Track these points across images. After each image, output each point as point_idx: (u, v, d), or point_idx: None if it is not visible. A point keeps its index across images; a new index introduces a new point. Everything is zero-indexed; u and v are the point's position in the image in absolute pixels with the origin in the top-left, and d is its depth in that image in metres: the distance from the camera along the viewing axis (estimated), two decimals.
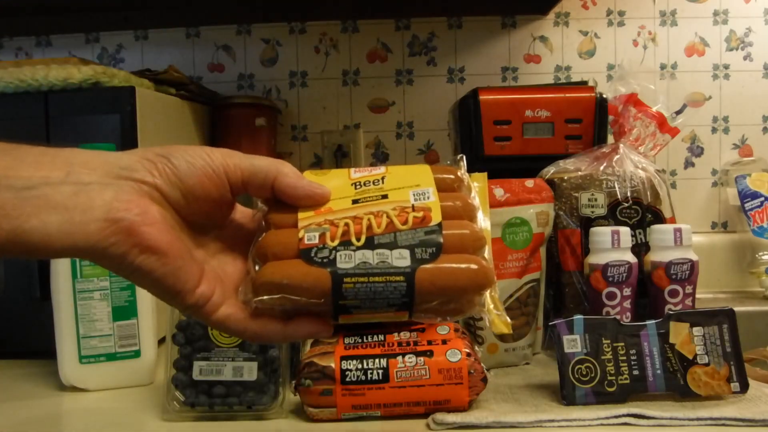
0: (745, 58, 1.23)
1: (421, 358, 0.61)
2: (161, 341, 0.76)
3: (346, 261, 0.38)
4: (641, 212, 0.84)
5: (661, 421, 0.58)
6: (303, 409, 0.62)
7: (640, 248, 0.83)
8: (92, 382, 0.73)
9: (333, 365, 0.61)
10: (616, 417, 0.59)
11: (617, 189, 0.84)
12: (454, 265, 0.38)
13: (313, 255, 0.38)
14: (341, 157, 1.24)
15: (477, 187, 0.45)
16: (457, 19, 1.24)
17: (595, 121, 0.93)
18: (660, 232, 0.77)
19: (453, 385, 0.61)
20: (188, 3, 1.17)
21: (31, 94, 0.83)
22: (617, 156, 0.86)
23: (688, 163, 1.24)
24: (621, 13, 1.23)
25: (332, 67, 1.25)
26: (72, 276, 0.72)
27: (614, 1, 1.23)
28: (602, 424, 0.59)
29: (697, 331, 0.64)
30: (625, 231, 0.77)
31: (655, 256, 0.77)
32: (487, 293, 0.40)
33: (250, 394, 0.64)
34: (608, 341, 0.64)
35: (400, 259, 0.38)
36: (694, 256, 0.76)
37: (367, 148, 1.26)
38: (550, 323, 0.65)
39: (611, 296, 0.76)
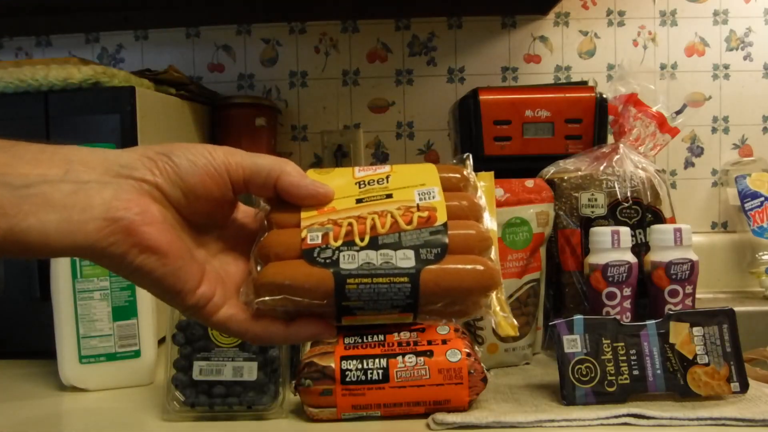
0: (745, 58, 1.23)
1: (421, 358, 0.61)
2: (161, 341, 0.76)
3: (349, 261, 0.37)
4: (641, 212, 0.84)
5: (661, 421, 0.58)
6: (303, 409, 0.62)
7: (640, 248, 0.83)
8: (92, 382, 0.73)
9: (333, 365, 0.61)
10: (616, 417, 0.59)
11: (617, 189, 0.84)
12: (459, 266, 0.37)
13: (315, 255, 0.37)
14: (341, 157, 1.24)
15: (483, 186, 0.44)
16: (457, 19, 1.24)
17: (595, 121, 0.93)
18: (660, 232, 0.78)
19: (453, 385, 0.61)
20: (188, 3, 1.17)
21: (31, 94, 0.83)
22: (617, 156, 0.86)
23: (688, 163, 1.24)
24: (621, 13, 1.23)
25: (332, 67, 1.25)
26: (72, 276, 0.72)
27: (614, 1, 1.23)
28: (602, 424, 0.59)
29: (697, 331, 0.64)
30: (625, 231, 0.77)
31: (655, 256, 0.78)
32: (494, 295, 0.39)
33: (250, 394, 0.64)
34: (608, 341, 0.64)
35: (405, 259, 0.37)
36: (694, 256, 0.76)
37: (367, 148, 1.26)
38: (550, 323, 0.66)
39: (611, 296, 0.76)
